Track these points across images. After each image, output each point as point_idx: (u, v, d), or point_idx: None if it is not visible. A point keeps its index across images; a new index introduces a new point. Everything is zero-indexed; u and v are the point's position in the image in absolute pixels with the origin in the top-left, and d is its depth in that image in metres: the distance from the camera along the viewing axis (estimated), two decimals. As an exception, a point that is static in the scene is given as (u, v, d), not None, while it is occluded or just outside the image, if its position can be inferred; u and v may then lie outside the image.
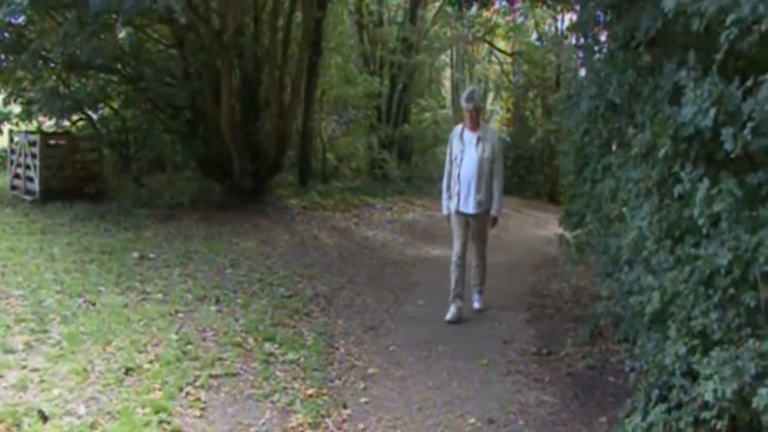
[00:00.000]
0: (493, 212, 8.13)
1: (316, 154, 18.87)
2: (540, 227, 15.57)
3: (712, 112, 3.96)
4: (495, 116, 26.78)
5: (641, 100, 5.04)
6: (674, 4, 4.15)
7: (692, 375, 4.15)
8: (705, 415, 4.00)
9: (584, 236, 6.93)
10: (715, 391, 3.76)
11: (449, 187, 8.13)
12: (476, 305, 8.36)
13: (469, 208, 7.99)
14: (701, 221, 4.04)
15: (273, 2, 14.75)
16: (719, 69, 4.08)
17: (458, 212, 8.08)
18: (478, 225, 8.17)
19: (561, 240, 7.30)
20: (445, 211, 8.25)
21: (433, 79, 25.76)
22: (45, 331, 6.45)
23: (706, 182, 4.00)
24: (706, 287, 4.08)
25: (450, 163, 8.13)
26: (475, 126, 8.03)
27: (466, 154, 7.98)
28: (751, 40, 3.83)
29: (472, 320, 8.02)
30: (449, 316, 7.94)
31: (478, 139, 7.95)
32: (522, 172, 22.04)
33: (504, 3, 15.47)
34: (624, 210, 5.36)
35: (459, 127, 8.24)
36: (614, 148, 5.91)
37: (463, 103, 8.14)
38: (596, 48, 6.23)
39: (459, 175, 7.99)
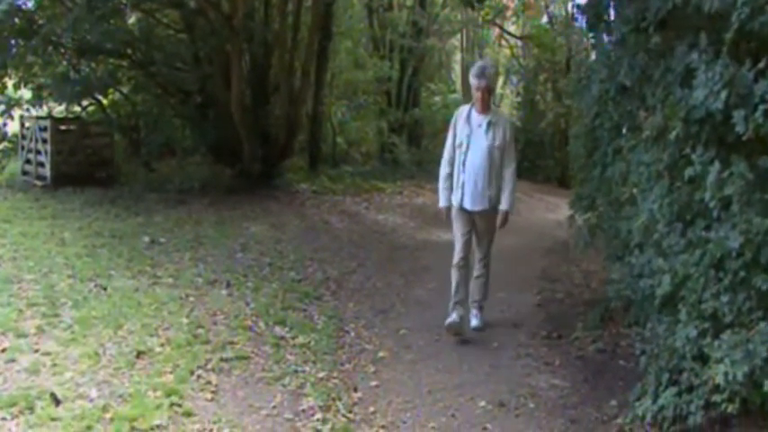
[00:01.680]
0: (503, 206, 6.90)
1: (326, 138, 18.88)
2: (551, 211, 15.57)
3: (724, 94, 3.94)
4: (505, 100, 26.76)
5: (652, 83, 5.01)
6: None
7: (703, 359, 4.15)
8: (716, 398, 4.00)
9: (594, 219, 6.92)
10: (726, 374, 3.76)
11: (449, 176, 7.00)
12: (474, 322, 7.09)
13: (476, 204, 6.86)
14: (712, 204, 4.03)
15: (283, -15, 14.73)
16: (731, 52, 4.06)
17: (461, 209, 6.94)
18: (486, 225, 7.01)
19: (571, 222, 7.26)
20: (443, 203, 7.08)
21: (443, 63, 25.73)
22: (56, 315, 6.47)
23: (717, 165, 3.99)
24: (717, 270, 4.07)
25: (453, 148, 6.98)
26: (485, 108, 6.88)
27: (473, 140, 6.83)
28: (763, 19, 3.80)
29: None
30: (449, 320, 6.90)
31: (489, 124, 6.81)
32: (533, 156, 22.02)
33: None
34: (635, 193, 5.35)
35: (466, 108, 7.07)
36: (625, 131, 5.88)
37: (473, 80, 6.89)
38: (607, 30, 6.20)
39: (464, 163, 6.86)
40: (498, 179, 6.87)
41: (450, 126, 7.11)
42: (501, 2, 21.52)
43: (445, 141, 7.18)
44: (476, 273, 7.15)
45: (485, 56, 24.92)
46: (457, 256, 7.00)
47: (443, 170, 7.05)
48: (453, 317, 6.89)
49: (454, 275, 7.00)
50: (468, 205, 6.87)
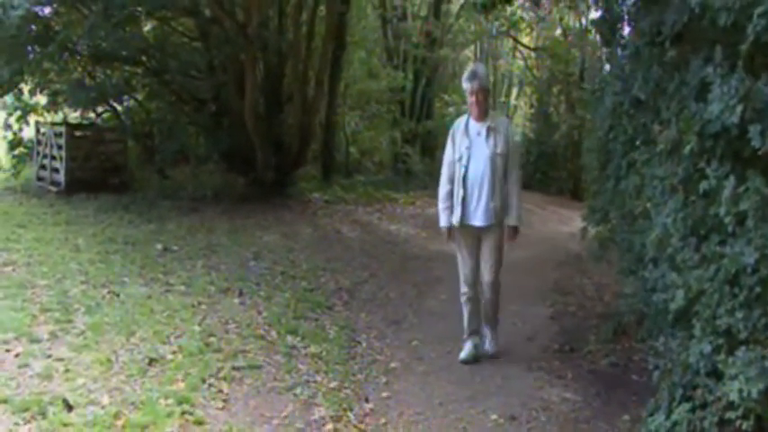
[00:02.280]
0: (512, 221, 6.40)
1: (339, 148, 18.94)
2: (564, 223, 15.52)
3: (739, 108, 3.92)
4: (519, 112, 26.78)
5: (667, 96, 4.99)
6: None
7: (717, 375, 4.12)
8: (730, 415, 3.97)
9: (607, 232, 6.89)
10: (740, 390, 3.74)
11: (450, 194, 6.44)
12: (487, 347, 6.72)
13: (480, 219, 6.32)
14: (727, 219, 4.00)
15: (297, -4, 14.80)
16: (747, 65, 4.04)
17: (464, 226, 6.40)
18: (492, 241, 6.43)
19: (584, 235, 7.22)
20: (444, 223, 6.52)
21: (457, 74, 25.69)
22: (69, 321, 6.51)
23: (732, 179, 3.96)
24: (731, 286, 4.04)
25: (453, 164, 6.44)
26: (482, 114, 6.36)
27: (474, 150, 6.31)
28: (779, 31, 3.79)
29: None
30: (463, 354, 6.57)
31: (489, 131, 6.30)
32: (546, 168, 21.98)
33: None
34: (648, 206, 5.33)
35: (462, 119, 6.52)
36: (639, 144, 5.86)
37: (465, 84, 6.41)
38: (621, 43, 6.19)
39: (464, 177, 6.32)
40: (502, 189, 6.33)
41: (448, 140, 6.55)
42: (516, 13, 21.50)
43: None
44: (485, 295, 6.61)
45: (498, 67, 24.96)
46: (464, 285, 6.60)
47: (443, 188, 6.52)
48: (468, 348, 6.58)
49: (465, 308, 6.64)
50: (471, 221, 6.36)
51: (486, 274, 6.50)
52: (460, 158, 6.36)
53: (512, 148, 6.42)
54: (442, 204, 6.52)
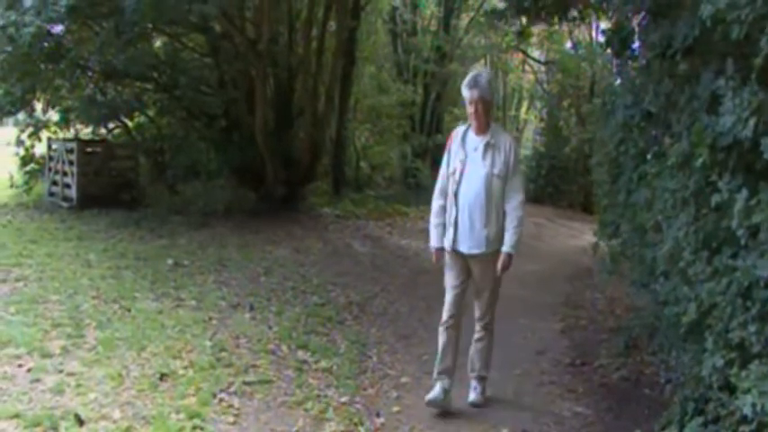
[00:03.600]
0: (505, 247, 5.56)
1: (349, 162, 18.97)
2: (575, 237, 15.49)
3: (752, 121, 3.90)
4: (529, 126, 26.80)
5: (678, 109, 4.99)
6: (712, 11, 4.12)
7: (730, 388, 4.10)
8: (743, 429, 3.94)
9: (618, 246, 6.87)
10: (754, 405, 3.71)
11: (443, 210, 5.77)
12: (472, 396, 5.89)
13: (471, 246, 5.62)
14: (739, 232, 3.98)
15: (308, 11, 14.86)
16: (759, 78, 4.04)
17: (454, 252, 5.72)
18: (484, 273, 5.70)
19: (595, 248, 7.20)
20: (434, 243, 5.86)
21: (467, 88, 25.77)
22: (81, 336, 6.51)
23: (744, 192, 3.95)
24: (744, 299, 4.02)
25: (447, 177, 5.74)
26: (482, 126, 5.64)
27: (468, 166, 5.61)
28: (793, 44, 3.78)
29: (505, 332, 7.21)
30: (430, 395, 5.69)
31: (487, 147, 5.59)
32: (556, 182, 21.99)
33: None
34: (660, 220, 5.31)
35: (462, 129, 5.83)
36: (650, 157, 5.85)
37: (465, 92, 5.62)
38: (631, 56, 6.19)
39: (456, 195, 5.62)
40: (499, 215, 5.60)
41: (446, 152, 5.83)
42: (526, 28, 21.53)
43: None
44: (475, 335, 5.95)
45: (508, 81, 24.95)
46: (445, 313, 5.82)
47: (435, 203, 5.83)
48: (436, 391, 5.71)
49: (441, 337, 5.84)
50: (461, 247, 5.67)
51: (478, 309, 5.88)
52: (454, 172, 5.67)
53: (513, 170, 5.66)
54: (433, 221, 5.87)
